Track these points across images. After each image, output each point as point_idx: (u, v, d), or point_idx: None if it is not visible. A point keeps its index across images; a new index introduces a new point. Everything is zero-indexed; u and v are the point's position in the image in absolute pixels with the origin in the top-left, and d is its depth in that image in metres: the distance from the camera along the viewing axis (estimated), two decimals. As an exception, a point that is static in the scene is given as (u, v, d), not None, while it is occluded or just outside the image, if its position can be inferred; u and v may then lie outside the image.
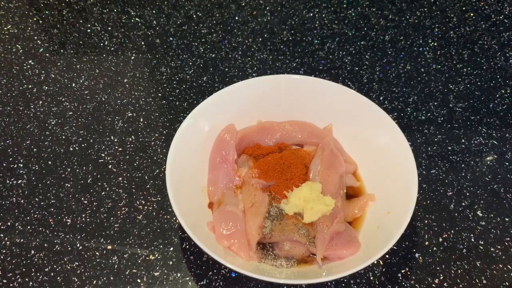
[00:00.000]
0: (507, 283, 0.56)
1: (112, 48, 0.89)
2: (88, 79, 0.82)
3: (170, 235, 0.61)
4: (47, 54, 0.87)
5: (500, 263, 0.58)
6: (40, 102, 0.78)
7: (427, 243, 0.60)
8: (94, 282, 0.56)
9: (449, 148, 0.72)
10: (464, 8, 0.98)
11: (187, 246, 0.60)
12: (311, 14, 0.96)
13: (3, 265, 0.58)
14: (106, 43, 0.90)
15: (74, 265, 0.58)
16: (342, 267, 0.52)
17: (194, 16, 0.96)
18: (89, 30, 0.92)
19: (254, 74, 0.84)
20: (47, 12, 0.97)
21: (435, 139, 0.73)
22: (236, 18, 0.95)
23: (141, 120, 0.76)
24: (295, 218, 0.57)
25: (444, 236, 0.61)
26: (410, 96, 0.79)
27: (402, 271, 0.58)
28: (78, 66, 0.85)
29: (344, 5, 0.98)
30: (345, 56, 0.87)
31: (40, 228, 0.62)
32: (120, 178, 0.67)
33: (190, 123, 0.62)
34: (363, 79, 0.83)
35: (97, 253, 0.59)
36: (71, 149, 0.71)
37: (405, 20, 0.95)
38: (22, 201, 0.65)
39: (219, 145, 0.65)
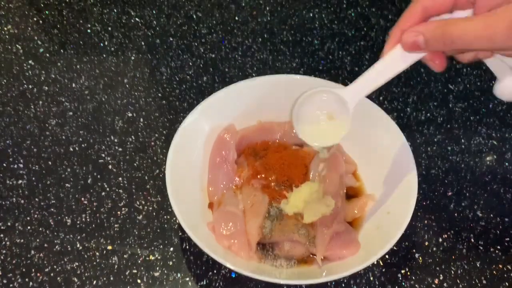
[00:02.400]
0: (507, 283, 0.56)
1: (112, 48, 0.89)
2: (88, 79, 0.82)
3: (170, 235, 0.61)
4: (47, 54, 0.87)
5: (500, 263, 0.58)
6: (40, 102, 0.78)
7: (427, 243, 0.60)
8: (94, 282, 0.56)
9: (449, 148, 0.72)
10: (464, 8, 0.98)
11: (187, 246, 0.60)
12: (311, 14, 0.96)
13: (3, 265, 0.58)
14: (106, 43, 0.90)
15: (74, 265, 0.58)
16: (342, 267, 0.52)
17: (194, 16, 0.96)
18: (89, 30, 0.92)
19: (254, 74, 0.84)
20: (47, 12, 0.97)
21: (435, 139, 0.73)
22: (236, 18, 0.95)
23: (141, 120, 0.76)
24: (295, 218, 0.57)
25: (444, 236, 0.61)
26: (410, 96, 0.79)
27: (402, 271, 0.58)
28: (78, 66, 0.85)
29: (344, 5, 0.98)
30: (345, 56, 0.87)
31: (40, 228, 0.62)
32: (120, 178, 0.68)
33: (190, 123, 0.62)
34: (363, 79, 0.83)
35: (97, 253, 0.59)
36: (71, 149, 0.71)
37: (405, 20, 0.95)
38: (22, 201, 0.65)
39: (219, 145, 0.65)
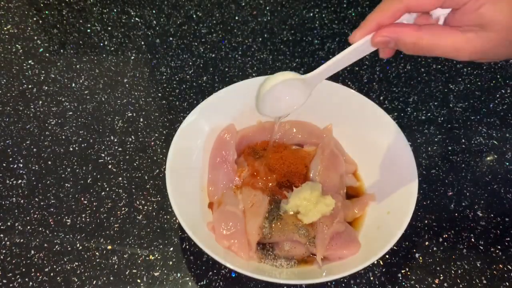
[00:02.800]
0: (507, 283, 0.56)
1: (112, 48, 0.89)
2: (88, 79, 0.82)
3: (170, 235, 0.61)
4: (47, 54, 0.87)
5: (500, 263, 0.58)
6: (40, 102, 0.78)
7: (427, 243, 0.60)
8: (94, 282, 0.56)
9: (449, 148, 0.72)
10: (464, 8, 0.98)
11: (187, 246, 0.60)
12: (311, 14, 0.96)
13: (3, 265, 0.58)
14: (106, 43, 0.90)
15: (74, 265, 0.58)
16: (342, 267, 0.52)
17: (194, 16, 0.96)
18: (89, 30, 0.92)
19: (254, 74, 0.84)
20: (47, 12, 0.97)
21: (435, 139, 0.73)
22: (236, 18, 0.95)
23: (141, 120, 0.76)
24: (295, 218, 0.57)
25: (444, 236, 0.61)
26: (410, 96, 0.79)
27: (402, 271, 0.58)
28: (78, 66, 0.85)
29: (344, 5, 0.98)
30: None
31: (40, 228, 0.62)
32: (120, 178, 0.67)
33: (190, 123, 0.62)
34: (363, 79, 0.83)
35: (97, 253, 0.59)
36: (71, 149, 0.71)
37: (405, 20, 0.95)
38: (22, 201, 0.65)
39: (219, 145, 0.65)
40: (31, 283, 0.56)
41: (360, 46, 0.44)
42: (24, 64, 0.85)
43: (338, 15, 0.96)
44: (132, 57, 0.87)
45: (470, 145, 0.72)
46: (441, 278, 0.57)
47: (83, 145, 0.72)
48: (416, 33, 0.40)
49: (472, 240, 0.61)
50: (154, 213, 0.63)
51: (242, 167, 0.64)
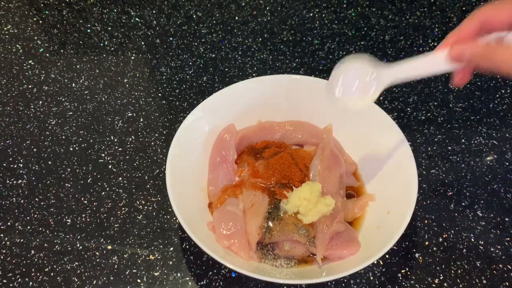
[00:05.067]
0: (507, 283, 0.56)
1: (112, 48, 0.89)
2: (88, 79, 0.82)
3: (170, 235, 0.61)
4: (47, 54, 0.87)
5: (500, 263, 0.58)
6: (40, 102, 0.78)
7: (427, 243, 0.60)
8: (94, 282, 0.56)
9: (449, 148, 0.72)
10: (464, 8, 0.98)
11: (187, 246, 0.60)
12: (311, 14, 0.96)
13: (3, 265, 0.58)
14: (106, 43, 0.90)
15: (74, 265, 0.58)
16: (342, 267, 0.52)
17: (194, 16, 0.96)
18: (89, 30, 0.92)
19: (254, 74, 0.84)
20: (47, 12, 0.97)
21: (435, 139, 0.73)
22: (236, 18, 0.95)
23: (141, 120, 0.76)
24: (295, 218, 0.57)
25: (444, 236, 0.61)
26: (410, 96, 0.79)
27: (402, 271, 0.58)
28: (78, 66, 0.85)
29: (344, 5, 0.98)
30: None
31: (40, 228, 0.62)
32: (120, 178, 0.68)
33: (190, 123, 0.62)
34: (363, 79, 0.83)
35: (97, 253, 0.59)
36: (71, 149, 0.71)
37: (405, 20, 0.95)
38: (22, 201, 0.65)
39: (219, 145, 0.65)
40: (31, 283, 0.56)
41: (435, 57, 0.46)
42: (24, 64, 0.85)
43: (338, 15, 0.96)
44: (132, 57, 0.87)
45: (470, 145, 0.72)
46: (441, 278, 0.57)
47: (83, 145, 0.72)
48: (489, 46, 0.44)
49: (472, 240, 0.61)
50: (154, 213, 0.63)
51: (242, 167, 0.64)
